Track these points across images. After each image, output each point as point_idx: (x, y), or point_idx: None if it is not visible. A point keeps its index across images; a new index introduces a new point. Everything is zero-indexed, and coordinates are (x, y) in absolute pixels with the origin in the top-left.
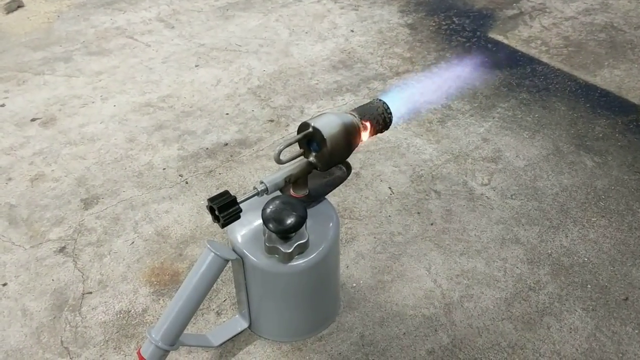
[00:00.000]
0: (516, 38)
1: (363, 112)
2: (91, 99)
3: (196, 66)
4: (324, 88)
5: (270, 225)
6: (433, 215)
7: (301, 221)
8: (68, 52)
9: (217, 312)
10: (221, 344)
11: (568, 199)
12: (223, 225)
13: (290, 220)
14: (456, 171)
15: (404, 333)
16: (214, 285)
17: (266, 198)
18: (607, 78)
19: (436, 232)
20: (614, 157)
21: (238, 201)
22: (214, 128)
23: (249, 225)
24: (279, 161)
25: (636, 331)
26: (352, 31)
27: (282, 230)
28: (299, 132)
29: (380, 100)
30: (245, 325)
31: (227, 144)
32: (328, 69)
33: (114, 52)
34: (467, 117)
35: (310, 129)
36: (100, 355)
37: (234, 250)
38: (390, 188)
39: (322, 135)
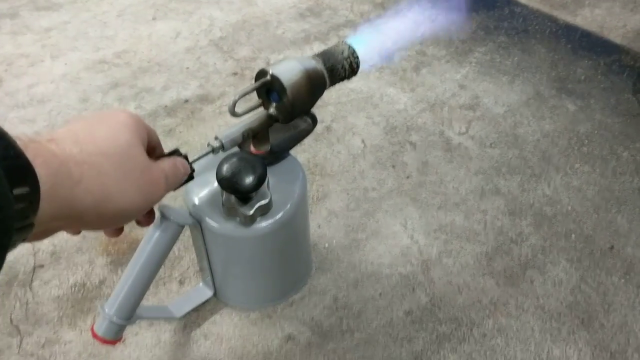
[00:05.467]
0: None
1: (327, 56)
2: (40, 58)
3: (154, 19)
4: (291, 37)
5: (226, 186)
6: (409, 168)
7: (260, 180)
8: (14, 8)
9: (180, 280)
10: (184, 315)
11: (550, 146)
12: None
13: (247, 180)
14: (432, 120)
15: (380, 294)
16: (176, 253)
17: (223, 155)
18: (588, 18)
19: (412, 185)
20: (596, 100)
21: (190, 160)
22: (173, 84)
23: (206, 187)
24: (234, 113)
25: (622, 281)
26: None
27: (239, 191)
28: (256, 80)
29: (345, 42)
30: (210, 293)
31: (187, 101)
32: (295, 17)
33: (65, 6)
34: (443, 63)
35: (268, 77)
36: (54, 333)
37: (190, 214)
38: (363, 141)
39: (282, 84)
